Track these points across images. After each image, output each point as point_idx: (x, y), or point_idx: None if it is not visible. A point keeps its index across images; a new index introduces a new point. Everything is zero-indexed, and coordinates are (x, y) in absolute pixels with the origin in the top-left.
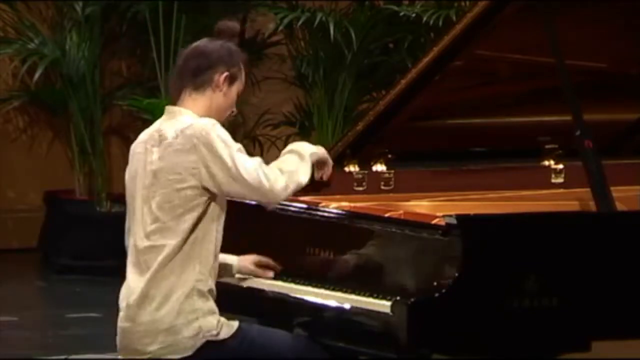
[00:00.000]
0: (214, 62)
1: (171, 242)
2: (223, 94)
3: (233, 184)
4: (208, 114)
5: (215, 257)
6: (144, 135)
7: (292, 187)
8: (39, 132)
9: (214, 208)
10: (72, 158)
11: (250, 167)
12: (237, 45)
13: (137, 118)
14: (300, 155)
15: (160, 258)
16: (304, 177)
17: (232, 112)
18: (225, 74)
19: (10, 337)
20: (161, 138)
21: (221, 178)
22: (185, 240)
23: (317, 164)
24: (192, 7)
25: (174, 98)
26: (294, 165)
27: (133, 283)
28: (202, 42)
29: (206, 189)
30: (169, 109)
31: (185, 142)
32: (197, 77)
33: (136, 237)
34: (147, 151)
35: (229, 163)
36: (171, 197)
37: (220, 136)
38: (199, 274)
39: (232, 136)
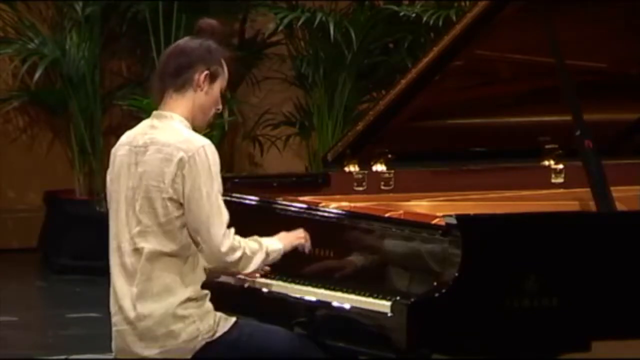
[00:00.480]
0: (193, 61)
1: (157, 248)
2: (205, 92)
3: (197, 217)
4: (192, 114)
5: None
6: (126, 137)
7: (234, 266)
8: (39, 132)
9: None
10: (72, 158)
11: (224, 221)
12: (220, 43)
13: (137, 118)
14: (261, 249)
15: (145, 261)
16: (249, 269)
17: (217, 109)
18: (205, 72)
19: (10, 337)
20: (151, 142)
21: (192, 205)
22: (175, 251)
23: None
24: (192, 7)
25: (156, 100)
26: (250, 252)
27: (120, 286)
28: (182, 41)
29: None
30: (156, 113)
31: (174, 154)
32: (178, 77)
33: (121, 239)
34: (130, 153)
35: (205, 201)
36: (153, 204)
37: (211, 168)
38: (192, 286)
39: (231, 136)
